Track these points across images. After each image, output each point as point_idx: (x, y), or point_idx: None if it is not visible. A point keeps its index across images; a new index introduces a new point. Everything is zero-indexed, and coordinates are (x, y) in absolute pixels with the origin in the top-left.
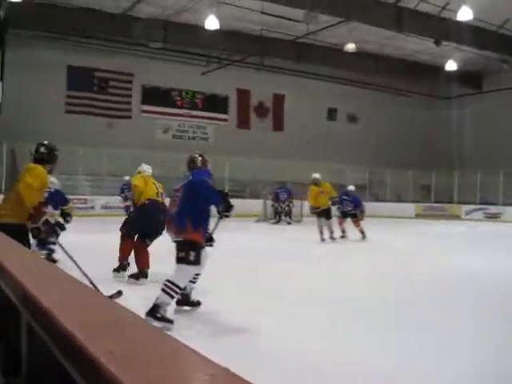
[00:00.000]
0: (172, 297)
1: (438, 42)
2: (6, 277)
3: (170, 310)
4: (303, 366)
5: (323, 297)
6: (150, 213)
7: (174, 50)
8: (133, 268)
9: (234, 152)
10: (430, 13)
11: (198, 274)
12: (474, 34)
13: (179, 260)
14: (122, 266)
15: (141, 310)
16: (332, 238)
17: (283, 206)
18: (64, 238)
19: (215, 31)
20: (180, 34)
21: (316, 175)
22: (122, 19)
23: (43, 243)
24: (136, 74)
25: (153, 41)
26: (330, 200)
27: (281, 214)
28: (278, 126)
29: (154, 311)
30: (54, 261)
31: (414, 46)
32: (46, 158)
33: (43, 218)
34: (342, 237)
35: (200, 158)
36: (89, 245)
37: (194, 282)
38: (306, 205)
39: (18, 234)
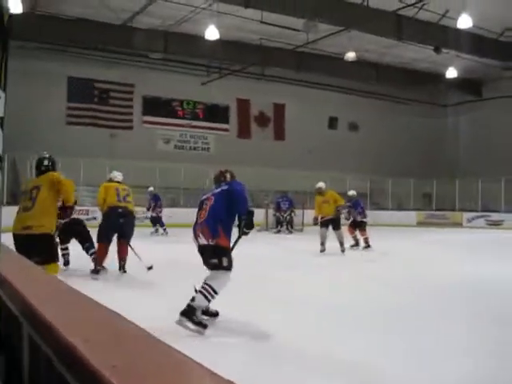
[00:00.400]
0: (209, 300)
1: (437, 50)
2: (8, 288)
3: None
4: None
5: (326, 303)
6: (110, 219)
7: (174, 60)
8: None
9: (236, 161)
10: (430, 21)
11: None
12: (474, 42)
13: (214, 267)
14: (95, 271)
15: (144, 323)
16: (342, 250)
17: (285, 215)
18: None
19: (215, 41)
20: (180, 44)
21: (319, 184)
22: (122, 30)
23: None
24: (137, 84)
25: (153, 51)
26: (337, 209)
27: (282, 223)
28: (279, 135)
29: (191, 313)
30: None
31: (413, 54)
32: (51, 169)
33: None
34: (354, 245)
35: (229, 174)
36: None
37: None
38: (308, 214)
39: (49, 242)
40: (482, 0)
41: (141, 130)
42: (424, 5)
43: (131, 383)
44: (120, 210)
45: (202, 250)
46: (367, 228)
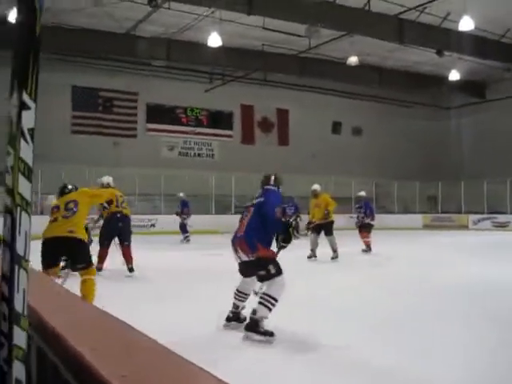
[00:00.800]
0: (270, 310)
1: (440, 53)
2: None
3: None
4: None
5: (330, 306)
6: (110, 224)
7: (177, 67)
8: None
9: (240, 167)
10: (432, 24)
11: (246, 294)
12: (476, 44)
13: (264, 278)
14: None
15: (156, 334)
16: (334, 257)
17: (290, 220)
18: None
19: (218, 48)
20: (183, 51)
21: (314, 186)
22: (125, 39)
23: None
24: (140, 92)
25: (156, 59)
26: (325, 211)
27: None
28: (283, 140)
29: (256, 326)
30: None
31: (416, 58)
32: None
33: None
34: (365, 251)
35: (273, 177)
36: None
37: (243, 301)
38: None
39: (88, 249)
40: (483, 2)
41: (145, 138)
42: (425, 8)
43: None
44: (118, 215)
45: (245, 265)
46: (372, 232)
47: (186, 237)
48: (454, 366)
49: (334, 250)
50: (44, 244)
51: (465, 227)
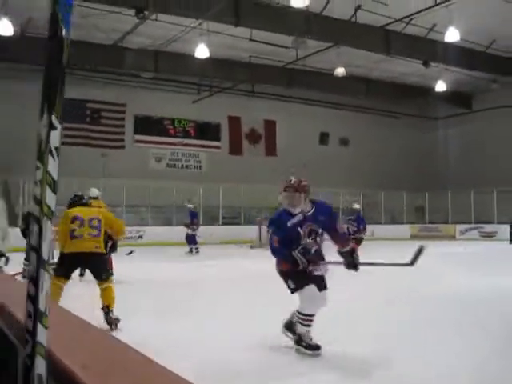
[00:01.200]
0: (308, 325)
1: (426, 64)
2: (4, 313)
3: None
4: None
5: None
6: None
7: (165, 79)
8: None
9: (228, 179)
10: (418, 35)
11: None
12: (462, 55)
13: (291, 292)
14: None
15: (149, 350)
16: None
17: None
18: None
19: (205, 60)
20: (171, 63)
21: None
22: (112, 50)
23: None
24: (128, 104)
25: (144, 71)
26: None
27: None
28: (271, 151)
29: (300, 340)
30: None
31: (402, 69)
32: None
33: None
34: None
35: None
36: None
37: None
38: None
39: (107, 259)
40: (468, 13)
41: (133, 149)
42: (411, 20)
43: None
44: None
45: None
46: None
47: (196, 248)
48: (447, 374)
49: None
50: (67, 256)
51: (452, 237)
